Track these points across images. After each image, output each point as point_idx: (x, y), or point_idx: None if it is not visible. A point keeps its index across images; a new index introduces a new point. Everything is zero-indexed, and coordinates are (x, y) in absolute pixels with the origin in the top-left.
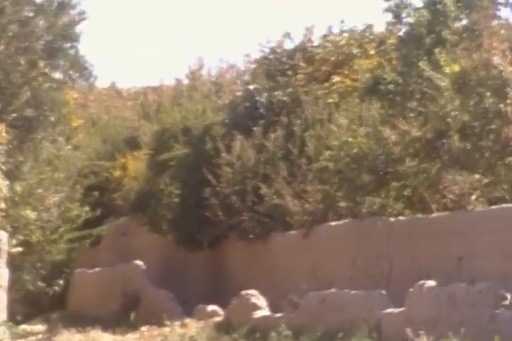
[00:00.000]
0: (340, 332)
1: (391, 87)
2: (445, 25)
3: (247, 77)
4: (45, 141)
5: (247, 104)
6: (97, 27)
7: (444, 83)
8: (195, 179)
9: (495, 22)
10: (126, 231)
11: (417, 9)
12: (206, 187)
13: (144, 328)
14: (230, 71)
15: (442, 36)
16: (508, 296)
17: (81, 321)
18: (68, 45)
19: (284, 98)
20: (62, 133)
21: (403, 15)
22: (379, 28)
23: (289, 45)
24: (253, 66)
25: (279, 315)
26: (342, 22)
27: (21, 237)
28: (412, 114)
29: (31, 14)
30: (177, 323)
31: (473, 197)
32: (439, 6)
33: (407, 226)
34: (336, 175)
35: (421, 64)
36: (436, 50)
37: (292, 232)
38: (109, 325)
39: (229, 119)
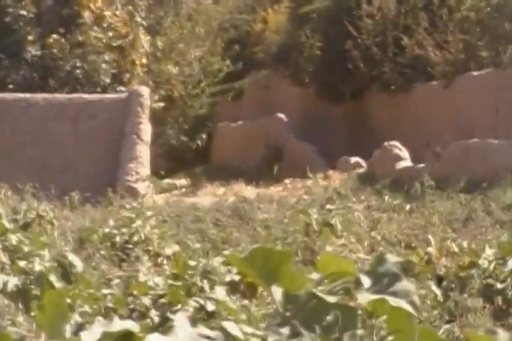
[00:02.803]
0: (483, 181)
1: None
2: None
3: None
4: None
5: None
6: None
7: None
8: (336, 31)
9: None
10: (267, 84)
11: None
12: (347, 39)
13: (287, 181)
14: None
15: None
16: None
17: (224, 174)
18: None
19: None
20: None
21: None
22: None
23: None
24: None
25: (421, 165)
26: None
27: (163, 92)
28: None
29: None
30: (320, 175)
31: None
32: None
33: None
34: (477, 25)
35: None
36: None
37: (434, 83)
38: (252, 178)
39: None
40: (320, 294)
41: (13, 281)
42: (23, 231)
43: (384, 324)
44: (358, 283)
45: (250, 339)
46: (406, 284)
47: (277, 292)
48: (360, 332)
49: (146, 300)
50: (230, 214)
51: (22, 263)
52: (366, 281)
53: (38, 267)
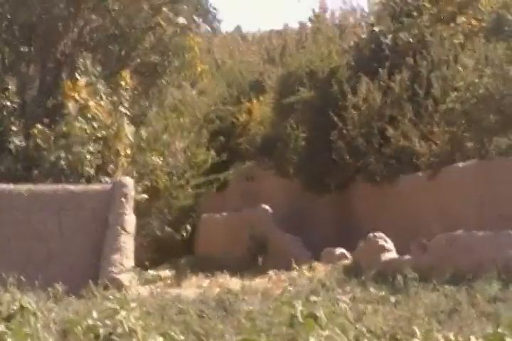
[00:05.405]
0: (468, 273)
1: None
2: None
3: (371, 19)
4: (170, 86)
5: (372, 46)
6: None
7: None
8: (321, 122)
9: None
10: (252, 175)
11: None
12: (332, 130)
13: (271, 272)
14: (353, 14)
15: None
16: None
17: (209, 266)
18: None
19: (410, 39)
20: (187, 79)
21: None
22: None
23: None
24: (378, 8)
25: (407, 257)
26: None
27: (148, 183)
28: None
29: None
30: (305, 267)
31: None
32: None
33: None
34: (462, 116)
35: None
36: None
37: (419, 174)
38: (236, 269)
39: (354, 62)
40: None
41: None
42: (6, 322)
43: None
44: None
45: None
46: None
47: None
48: None
49: None
50: (214, 306)
51: None
52: None
53: None
